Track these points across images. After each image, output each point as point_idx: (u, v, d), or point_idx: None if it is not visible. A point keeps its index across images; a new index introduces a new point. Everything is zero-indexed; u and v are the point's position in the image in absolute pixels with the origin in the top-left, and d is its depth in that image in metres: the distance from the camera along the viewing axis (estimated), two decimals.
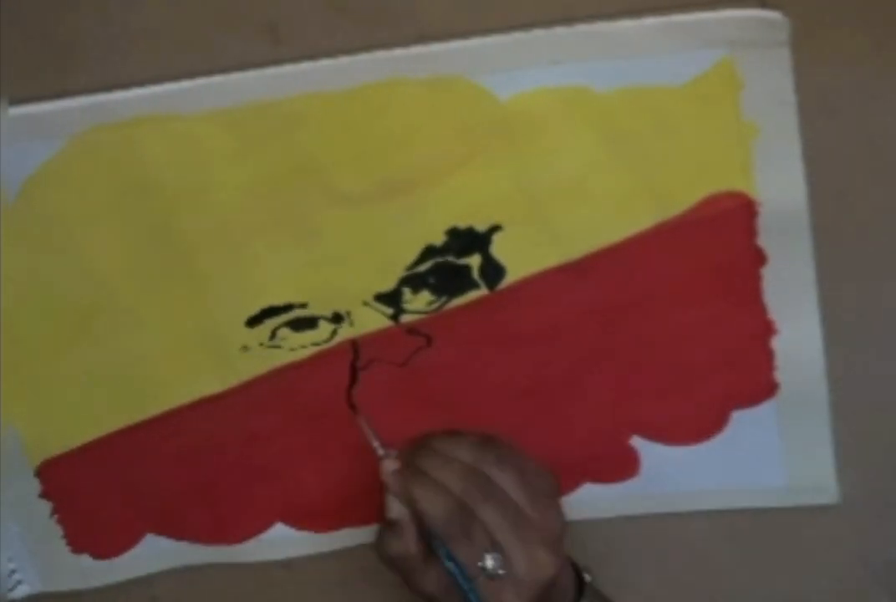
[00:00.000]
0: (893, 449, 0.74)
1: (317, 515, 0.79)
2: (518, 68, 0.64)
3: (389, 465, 0.69)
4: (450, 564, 0.66)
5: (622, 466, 0.76)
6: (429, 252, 0.69)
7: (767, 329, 0.71)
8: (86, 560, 0.80)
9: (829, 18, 0.63)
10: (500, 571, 0.65)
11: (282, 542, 0.80)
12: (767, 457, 0.74)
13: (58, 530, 0.79)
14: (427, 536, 0.68)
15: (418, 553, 0.68)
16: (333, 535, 0.80)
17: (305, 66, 0.64)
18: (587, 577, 0.72)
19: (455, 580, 0.66)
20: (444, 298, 0.71)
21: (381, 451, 0.71)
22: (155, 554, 0.80)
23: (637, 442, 0.75)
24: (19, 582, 0.80)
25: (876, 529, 0.76)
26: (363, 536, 0.79)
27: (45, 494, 0.77)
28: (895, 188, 0.68)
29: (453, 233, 0.69)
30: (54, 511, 0.78)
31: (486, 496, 0.66)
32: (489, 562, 0.65)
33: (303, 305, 0.71)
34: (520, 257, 0.70)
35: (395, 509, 0.68)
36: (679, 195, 0.67)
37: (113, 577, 0.81)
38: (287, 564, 0.81)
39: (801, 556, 0.74)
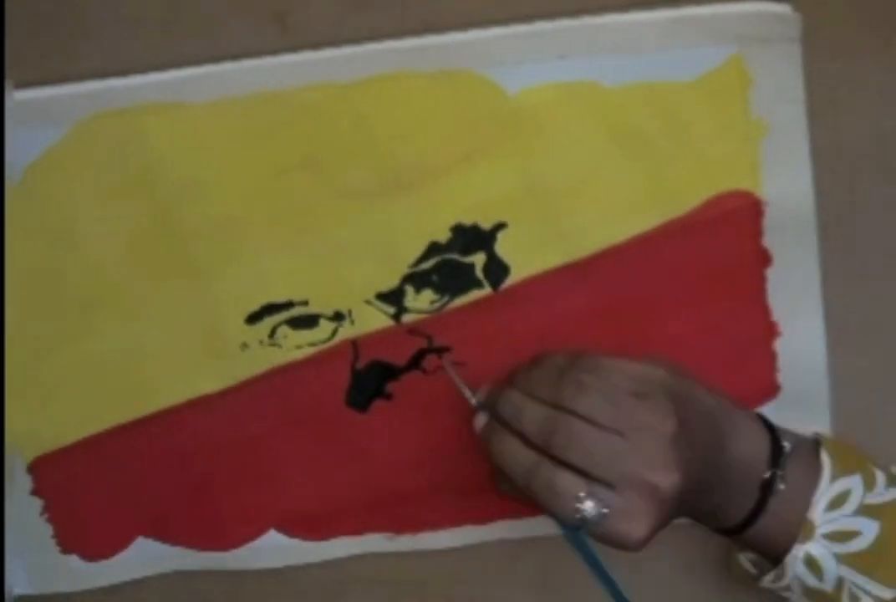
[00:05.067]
0: (891, 453, 0.73)
1: (311, 523, 0.78)
2: (526, 62, 0.64)
3: (480, 420, 0.66)
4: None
5: None
6: (433, 249, 0.69)
7: (771, 330, 0.70)
8: (75, 561, 0.78)
9: (838, 15, 0.63)
10: (604, 510, 0.61)
11: (275, 549, 0.79)
12: None
13: (48, 529, 0.77)
14: None
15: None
16: (327, 545, 0.79)
17: (313, 55, 0.65)
18: (786, 447, 0.66)
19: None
20: (446, 297, 0.70)
21: (473, 401, 0.68)
22: (145, 558, 0.79)
23: None
24: None
25: None
26: (358, 546, 0.79)
27: (36, 491, 0.76)
28: None
29: (458, 230, 0.68)
30: (45, 509, 0.77)
31: (569, 440, 0.61)
32: (587, 507, 0.61)
33: (304, 303, 0.71)
34: (524, 256, 0.69)
35: (479, 424, 0.66)
36: (686, 194, 0.67)
37: (102, 580, 0.79)
38: (279, 573, 0.79)
39: None
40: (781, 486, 0.65)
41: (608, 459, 0.61)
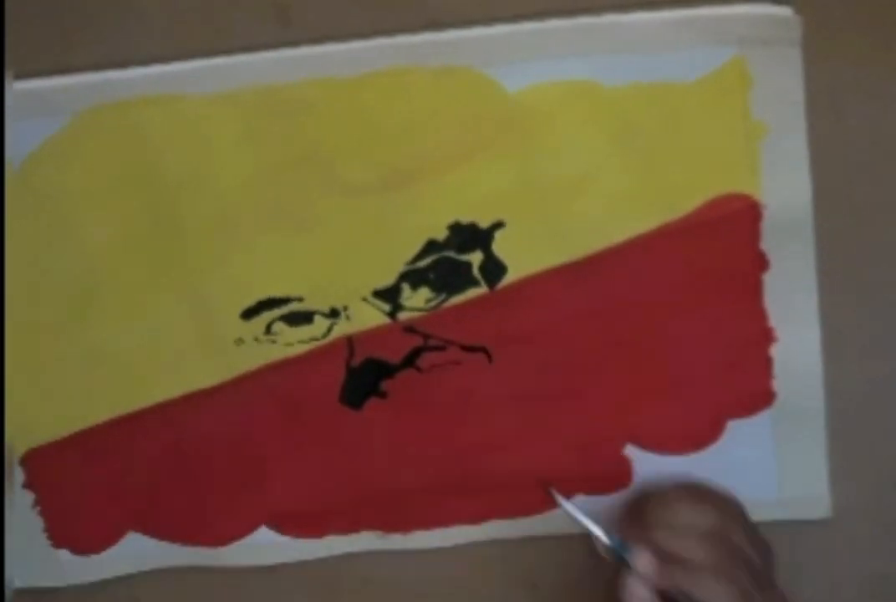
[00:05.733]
0: (887, 463, 0.73)
1: (303, 520, 0.78)
2: (527, 60, 0.64)
3: (645, 565, 0.64)
4: None
5: (615, 477, 0.75)
6: (430, 247, 0.69)
7: (767, 336, 0.70)
8: (66, 555, 0.78)
9: (838, 18, 0.63)
10: None
11: (266, 546, 0.79)
12: (760, 468, 0.74)
13: (39, 523, 0.77)
14: None
15: None
16: (319, 542, 0.79)
17: (314, 50, 0.64)
18: None
19: None
20: (443, 296, 0.70)
21: (607, 540, 0.66)
22: (136, 553, 0.79)
23: (630, 451, 0.74)
24: None
25: (867, 544, 0.75)
26: (349, 544, 0.79)
27: (28, 485, 0.76)
28: None
29: (455, 228, 0.68)
30: (36, 502, 0.77)
31: (735, 560, 0.64)
32: None
33: (299, 299, 0.71)
34: (521, 255, 0.69)
35: (641, 597, 0.64)
36: (685, 195, 0.67)
37: (93, 575, 0.79)
38: (271, 570, 0.79)
39: (791, 570, 0.73)
40: None
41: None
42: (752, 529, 0.68)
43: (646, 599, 0.63)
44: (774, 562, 0.68)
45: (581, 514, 0.68)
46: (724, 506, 0.67)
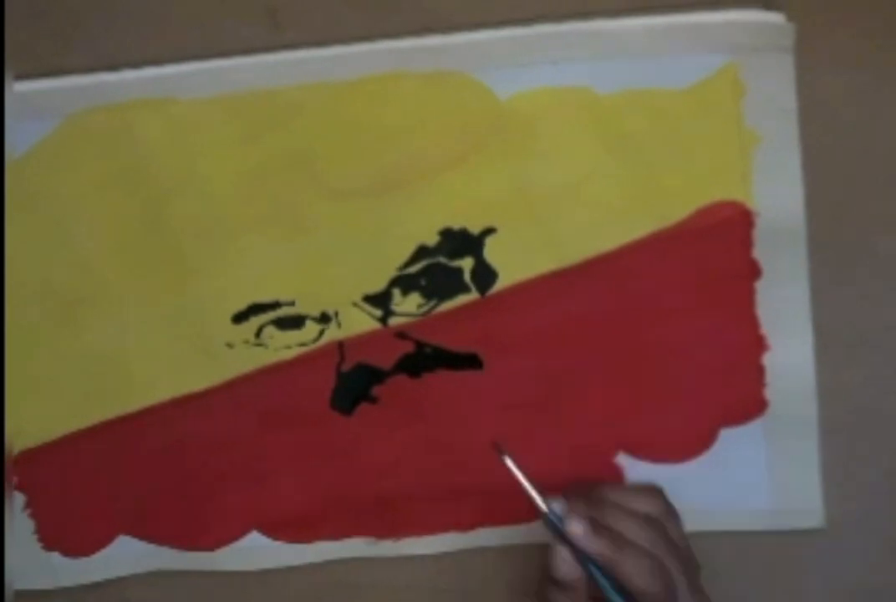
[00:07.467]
0: (879, 472, 0.73)
1: (294, 525, 0.78)
2: (520, 66, 0.64)
3: (577, 528, 0.63)
4: None
5: None
6: (421, 252, 0.69)
7: (759, 344, 0.70)
8: (57, 558, 0.78)
9: (831, 25, 0.63)
10: None
11: (256, 551, 0.79)
12: (753, 478, 0.73)
13: (30, 525, 0.77)
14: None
15: None
16: (309, 548, 0.79)
17: (305, 54, 0.64)
18: None
19: None
20: (433, 302, 0.70)
21: (544, 506, 0.64)
22: (127, 556, 0.78)
23: (622, 459, 0.74)
24: None
25: (861, 554, 0.75)
26: (340, 551, 0.78)
27: (19, 487, 0.76)
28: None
29: (446, 233, 0.68)
30: (27, 505, 0.76)
31: (669, 550, 0.64)
32: None
33: (290, 303, 0.70)
34: (513, 262, 0.69)
35: (569, 570, 0.63)
36: (677, 203, 0.67)
37: (84, 578, 0.79)
38: (262, 575, 0.79)
39: (784, 580, 0.73)
40: None
41: (689, 577, 0.65)
42: (685, 537, 0.67)
43: (569, 562, 0.63)
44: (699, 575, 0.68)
45: (526, 480, 0.64)
46: (669, 506, 0.67)
